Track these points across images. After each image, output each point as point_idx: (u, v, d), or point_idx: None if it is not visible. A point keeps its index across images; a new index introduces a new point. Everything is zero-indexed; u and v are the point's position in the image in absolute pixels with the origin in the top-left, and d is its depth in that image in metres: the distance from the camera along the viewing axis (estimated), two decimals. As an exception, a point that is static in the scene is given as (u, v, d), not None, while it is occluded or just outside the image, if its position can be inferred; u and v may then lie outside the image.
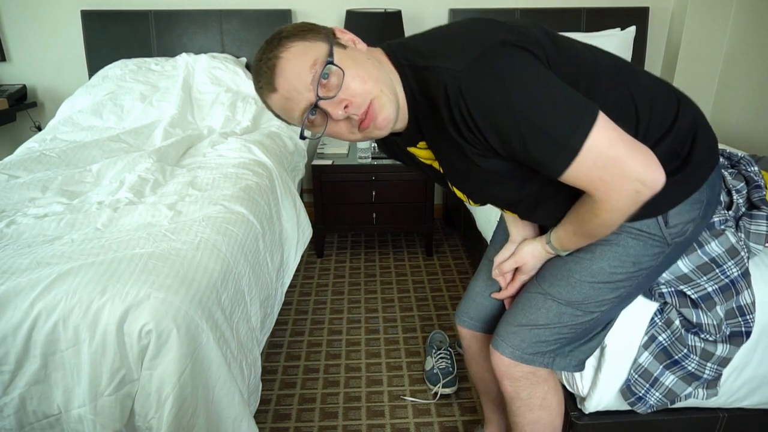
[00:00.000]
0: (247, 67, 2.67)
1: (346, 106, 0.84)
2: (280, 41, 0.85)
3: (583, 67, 0.91)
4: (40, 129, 2.69)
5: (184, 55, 2.56)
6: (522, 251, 1.11)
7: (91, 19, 2.64)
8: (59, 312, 1.08)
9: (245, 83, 2.51)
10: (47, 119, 2.70)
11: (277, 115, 0.92)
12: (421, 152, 1.03)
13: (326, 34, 0.88)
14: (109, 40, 2.65)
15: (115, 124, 2.30)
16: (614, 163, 0.81)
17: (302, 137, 0.90)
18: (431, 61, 0.84)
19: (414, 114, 0.93)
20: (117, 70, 2.51)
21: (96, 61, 2.64)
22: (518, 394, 1.11)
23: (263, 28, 2.67)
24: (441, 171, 1.05)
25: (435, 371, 1.74)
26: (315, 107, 0.85)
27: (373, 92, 0.85)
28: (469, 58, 0.80)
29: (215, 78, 2.49)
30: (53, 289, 1.11)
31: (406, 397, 1.73)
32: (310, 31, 0.87)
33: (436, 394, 1.72)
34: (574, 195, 0.93)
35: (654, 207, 0.92)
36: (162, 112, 2.32)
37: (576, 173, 0.82)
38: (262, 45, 0.87)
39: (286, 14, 2.66)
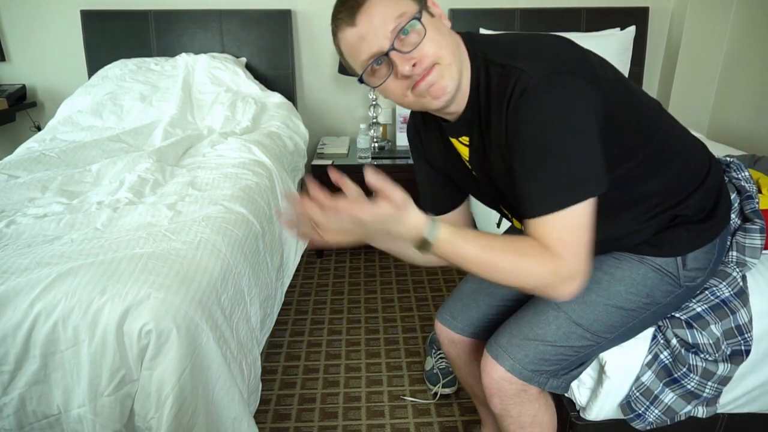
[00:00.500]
0: (247, 67, 2.67)
1: (414, 65, 0.84)
2: None
3: (645, 111, 0.96)
4: (39, 129, 2.69)
5: (183, 55, 2.56)
6: (409, 204, 0.83)
7: (91, 19, 2.64)
8: (59, 312, 1.08)
9: (245, 83, 2.51)
10: (47, 119, 2.70)
11: (341, 54, 0.91)
12: (461, 147, 1.02)
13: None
14: (109, 40, 2.65)
15: (115, 124, 2.30)
16: (580, 239, 0.82)
17: (360, 81, 0.90)
18: (509, 61, 0.86)
19: (473, 104, 0.93)
20: (117, 70, 2.51)
21: (96, 61, 2.64)
22: (508, 412, 1.09)
23: (263, 28, 2.67)
24: (470, 169, 1.04)
25: (435, 371, 1.74)
26: (385, 55, 0.84)
27: (443, 60, 0.85)
28: (546, 71, 0.82)
29: (215, 78, 2.48)
30: (53, 289, 1.10)
31: (406, 397, 1.73)
32: None
33: (436, 394, 1.71)
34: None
35: (675, 248, 1.01)
36: (162, 112, 2.32)
37: (546, 225, 0.82)
38: None
39: (286, 14, 2.66)
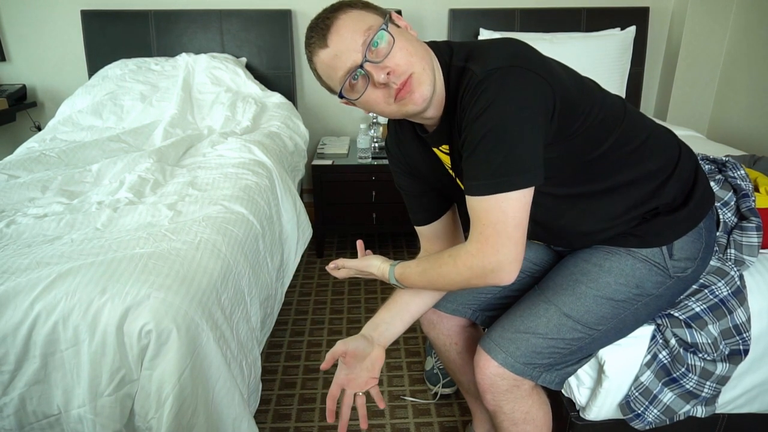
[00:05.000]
0: (248, 67, 2.67)
1: (388, 73, 0.88)
2: (340, 7, 0.91)
3: (606, 103, 0.99)
4: (40, 129, 2.69)
5: (184, 55, 2.56)
6: (371, 260, 1.12)
7: (91, 19, 2.64)
8: (59, 312, 1.08)
9: (245, 83, 2.51)
10: (47, 119, 2.70)
11: (319, 77, 0.95)
12: (443, 156, 1.05)
13: (384, 13, 0.93)
14: (109, 40, 2.65)
15: (115, 124, 2.30)
16: (507, 227, 0.87)
17: (341, 96, 0.93)
18: (467, 63, 0.91)
19: (448, 112, 0.96)
20: (117, 70, 2.51)
21: (96, 61, 2.64)
22: (501, 408, 1.09)
23: (263, 28, 2.67)
24: (452, 176, 1.07)
25: (435, 371, 1.74)
26: (360, 67, 0.88)
27: (416, 68, 0.89)
28: (491, 66, 0.86)
29: (215, 78, 2.49)
30: (53, 289, 1.10)
31: (406, 397, 1.73)
32: (370, 6, 0.93)
33: (436, 394, 1.72)
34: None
35: (659, 237, 1.03)
36: (162, 112, 2.32)
37: (480, 205, 0.87)
38: (322, 10, 0.92)
39: (286, 14, 2.66)
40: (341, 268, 1.15)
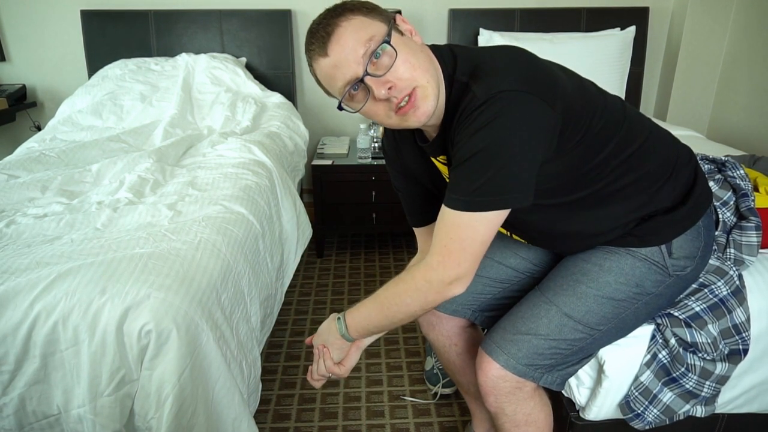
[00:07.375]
0: (248, 67, 2.67)
1: (389, 88, 0.86)
2: (343, 11, 0.87)
3: (607, 110, 0.98)
4: (39, 129, 2.69)
5: (183, 55, 2.56)
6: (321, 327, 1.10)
7: (91, 19, 2.64)
8: (59, 312, 1.08)
9: (245, 83, 2.51)
10: (47, 119, 2.70)
11: (319, 83, 0.93)
12: (441, 166, 1.05)
13: (388, 18, 0.90)
14: (109, 40, 2.65)
15: (115, 124, 2.30)
16: (474, 245, 0.87)
17: (340, 108, 0.91)
18: (470, 80, 0.89)
19: (447, 123, 0.95)
20: (117, 70, 2.51)
21: (96, 61, 2.64)
22: (503, 410, 1.09)
23: (263, 28, 2.67)
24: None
25: (435, 371, 1.74)
26: (360, 81, 0.86)
27: (420, 81, 0.87)
28: (494, 90, 0.84)
29: (215, 78, 2.49)
30: (53, 289, 1.10)
31: (406, 397, 1.73)
32: (373, 10, 0.90)
33: (435, 394, 1.72)
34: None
35: (658, 236, 1.02)
36: (162, 112, 2.32)
37: (452, 219, 0.87)
38: (324, 12, 0.89)
39: (286, 14, 2.66)
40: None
